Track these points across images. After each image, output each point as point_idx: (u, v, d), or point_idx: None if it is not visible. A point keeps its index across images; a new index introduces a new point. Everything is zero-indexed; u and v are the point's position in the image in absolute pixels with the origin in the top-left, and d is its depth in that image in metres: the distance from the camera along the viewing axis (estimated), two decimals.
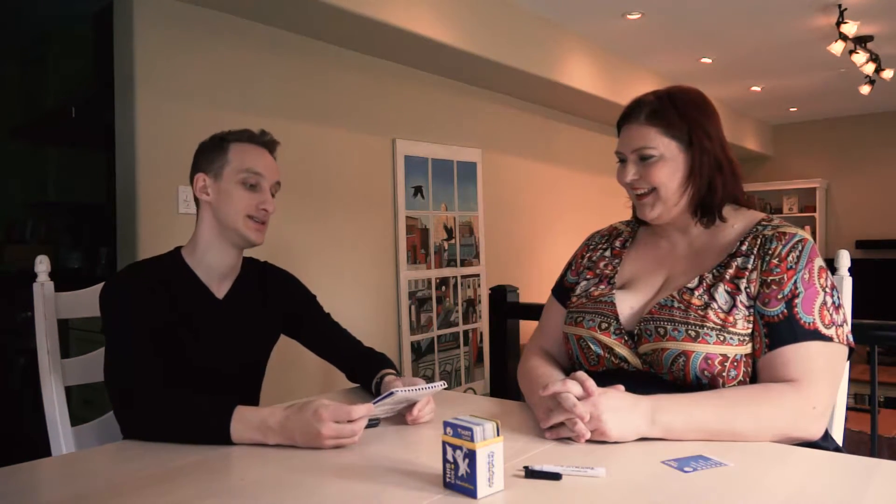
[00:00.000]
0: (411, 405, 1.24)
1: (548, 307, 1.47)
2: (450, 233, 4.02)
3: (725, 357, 1.14)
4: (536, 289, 4.35)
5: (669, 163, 1.25)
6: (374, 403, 1.16)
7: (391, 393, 1.16)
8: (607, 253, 1.41)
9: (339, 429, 1.10)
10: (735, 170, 1.28)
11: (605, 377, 1.19)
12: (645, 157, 1.27)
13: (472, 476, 0.86)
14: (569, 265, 1.48)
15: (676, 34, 4.40)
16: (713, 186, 1.26)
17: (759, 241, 1.21)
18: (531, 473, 0.93)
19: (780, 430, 1.07)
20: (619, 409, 1.05)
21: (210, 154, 1.47)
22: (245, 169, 1.44)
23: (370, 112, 3.48)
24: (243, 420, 1.15)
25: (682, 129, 1.25)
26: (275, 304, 1.56)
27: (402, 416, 1.27)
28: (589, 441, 1.06)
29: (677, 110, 1.26)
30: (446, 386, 1.24)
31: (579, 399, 1.06)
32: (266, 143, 1.51)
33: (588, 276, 1.39)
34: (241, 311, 1.48)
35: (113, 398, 1.25)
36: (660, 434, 1.06)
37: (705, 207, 1.27)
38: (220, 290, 1.49)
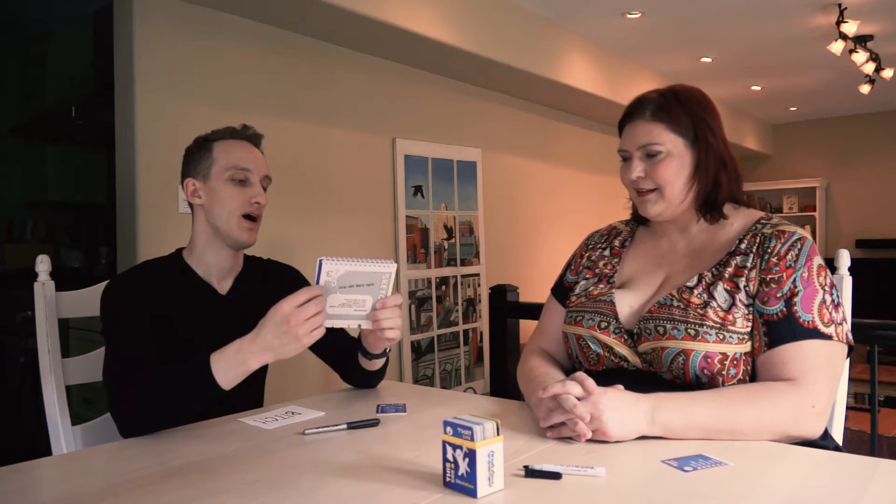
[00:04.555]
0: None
1: (547, 307, 1.47)
2: (450, 232, 4.02)
3: (725, 355, 1.14)
4: (536, 288, 4.35)
5: (676, 160, 1.25)
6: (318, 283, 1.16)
7: (320, 264, 1.15)
8: (606, 252, 1.41)
9: (303, 311, 1.12)
10: (737, 168, 1.29)
11: (605, 376, 1.19)
12: (651, 154, 1.26)
13: (472, 475, 0.86)
14: (568, 265, 1.48)
15: (676, 33, 4.40)
16: (718, 183, 1.26)
17: (758, 240, 1.21)
18: (531, 473, 0.93)
19: (779, 428, 1.07)
20: (619, 408, 1.05)
21: (196, 156, 1.47)
22: (232, 165, 1.45)
23: (370, 112, 3.48)
24: (223, 361, 1.17)
25: (688, 125, 1.25)
26: (277, 297, 1.55)
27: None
28: (589, 440, 1.05)
29: (682, 106, 1.26)
30: (396, 266, 1.23)
31: (579, 399, 1.06)
32: (249, 136, 1.51)
33: (587, 276, 1.39)
34: (245, 307, 1.48)
35: (107, 397, 1.26)
36: (660, 433, 1.06)
37: (710, 204, 1.27)
38: (223, 287, 1.50)
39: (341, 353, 1.52)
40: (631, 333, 1.23)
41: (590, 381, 1.07)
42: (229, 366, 1.17)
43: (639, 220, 1.42)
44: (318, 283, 1.16)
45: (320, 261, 1.15)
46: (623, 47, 4.68)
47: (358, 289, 1.20)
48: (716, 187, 1.26)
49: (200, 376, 1.18)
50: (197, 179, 1.46)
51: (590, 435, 1.04)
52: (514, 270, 4.53)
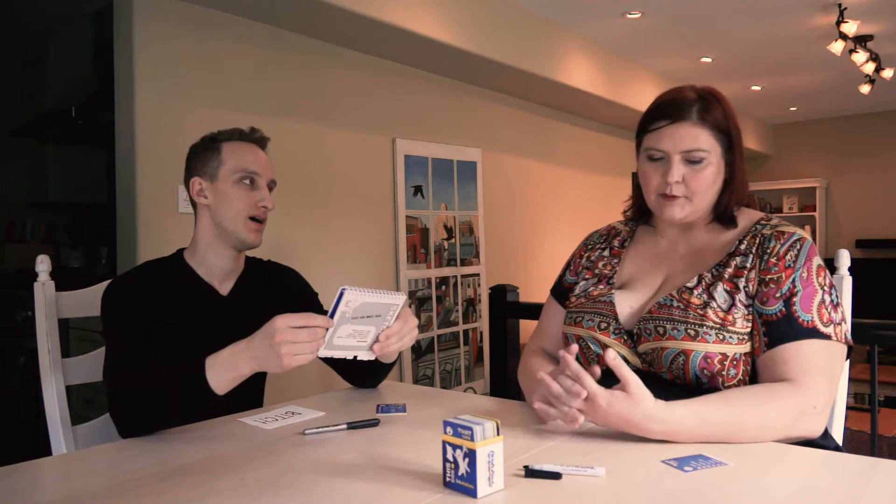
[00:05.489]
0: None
1: (546, 307, 1.47)
2: (450, 232, 4.02)
3: (725, 356, 1.14)
4: (536, 288, 4.35)
5: (714, 167, 1.23)
6: (331, 316, 1.11)
7: (341, 294, 1.08)
8: (606, 253, 1.41)
9: (294, 333, 1.10)
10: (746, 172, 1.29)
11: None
12: (694, 161, 1.21)
13: (472, 475, 0.86)
14: (567, 265, 1.48)
15: (676, 33, 4.40)
16: (744, 189, 1.26)
17: (757, 240, 1.21)
18: (531, 473, 0.93)
19: (781, 430, 1.07)
20: (628, 423, 1.04)
21: (203, 156, 1.47)
22: (241, 168, 1.44)
23: (370, 112, 3.48)
24: (216, 364, 1.17)
25: (727, 131, 1.23)
26: (277, 297, 1.56)
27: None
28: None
29: (722, 111, 1.23)
30: (406, 298, 1.19)
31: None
32: (257, 139, 1.51)
33: (587, 276, 1.39)
34: (246, 307, 1.48)
35: (107, 398, 1.26)
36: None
37: (729, 210, 1.26)
38: (224, 288, 1.50)
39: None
40: (631, 334, 1.23)
41: (594, 388, 1.05)
42: (222, 369, 1.17)
43: (638, 218, 1.42)
44: (333, 312, 1.10)
45: (343, 290, 1.08)
46: (623, 47, 4.68)
47: (367, 319, 1.16)
48: (740, 194, 1.26)
49: (194, 379, 1.18)
50: (203, 179, 1.46)
51: (581, 420, 1.04)
52: (514, 270, 4.53)
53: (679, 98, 1.23)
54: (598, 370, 1.10)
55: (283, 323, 1.11)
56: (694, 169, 1.22)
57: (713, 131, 1.22)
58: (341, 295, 1.08)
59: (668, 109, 1.23)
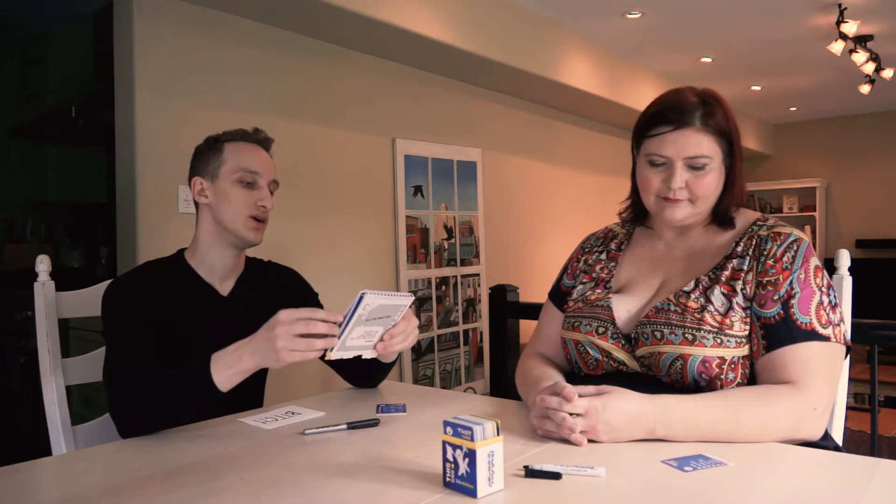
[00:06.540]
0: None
1: (545, 311, 1.46)
2: (450, 232, 4.02)
3: (723, 360, 1.14)
4: (536, 288, 4.35)
5: (716, 172, 1.22)
6: (349, 319, 1.11)
7: (361, 297, 1.09)
8: (603, 256, 1.40)
9: (292, 326, 1.11)
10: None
11: (605, 380, 1.19)
12: (697, 167, 1.20)
13: (472, 475, 0.86)
14: (564, 269, 1.47)
15: (676, 33, 4.40)
16: (743, 192, 1.26)
17: (754, 242, 1.21)
18: (531, 473, 0.93)
19: (782, 432, 1.07)
20: (617, 429, 1.04)
21: (205, 156, 1.48)
22: (241, 168, 1.45)
23: (370, 112, 3.48)
24: (221, 359, 1.18)
25: (728, 135, 1.22)
26: (277, 298, 1.56)
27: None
28: (589, 440, 1.05)
29: (724, 115, 1.22)
30: (414, 299, 1.19)
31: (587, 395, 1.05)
32: (260, 140, 1.51)
33: (584, 280, 1.38)
34: (246, 308, 1.49)
35: (107, 398, 1.26)
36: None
37: (727, 212, 1.26)
38: (224, 288, 1.50)
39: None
40: (629, 338, 1.22)
41: (578, 401, 1.04)
42: (226, 364, 1.17)
43: (635, 220, 1.41)
44: (351, 314, 1.10)
45: (363, 294, 1.08)
46: (623, 47, 4.68)
47: (377, 321, 1.17)
48: (739, 196, 1.26)
49: (199, 375, 1.18)
50: (205, 179, 1.46)
51: (585, 442, 1.04)
52: (514, 270, 4.53)
53: (681, 103, 1.21)
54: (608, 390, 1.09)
55: (287, 315, 1.12)
56: (697, 175, 1.21)
57: (715, 136, 1.21)
58: (361, 298, 1.09)
59: (670, 114, 1.21)
